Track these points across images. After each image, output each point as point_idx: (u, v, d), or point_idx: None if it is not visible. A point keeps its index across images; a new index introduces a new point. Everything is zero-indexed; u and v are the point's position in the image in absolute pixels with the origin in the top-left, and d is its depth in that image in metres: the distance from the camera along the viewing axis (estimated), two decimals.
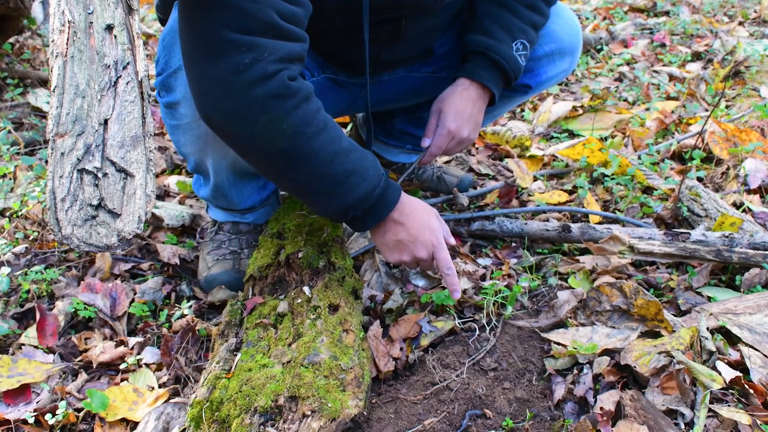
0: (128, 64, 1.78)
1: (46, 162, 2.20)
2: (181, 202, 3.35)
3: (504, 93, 2.55)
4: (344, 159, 1.97)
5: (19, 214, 3.09)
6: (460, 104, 2.42)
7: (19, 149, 3.79)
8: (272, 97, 1.82)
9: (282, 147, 1.88)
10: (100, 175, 1.57)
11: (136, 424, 2.13)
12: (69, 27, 1.75)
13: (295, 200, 2.58)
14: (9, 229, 3.03)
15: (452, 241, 2.25)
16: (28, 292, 2.65)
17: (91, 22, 1.78)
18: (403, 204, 2.14)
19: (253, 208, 2.70)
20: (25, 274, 2.71)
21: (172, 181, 3.54)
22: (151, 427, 2.07)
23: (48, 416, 2.11)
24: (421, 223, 2.17)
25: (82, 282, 2.66)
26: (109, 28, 1.80)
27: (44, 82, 4.69)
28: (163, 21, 2.42)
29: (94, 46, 1.76)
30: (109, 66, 1.75)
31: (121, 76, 1.75)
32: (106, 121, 1.67)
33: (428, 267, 2.27)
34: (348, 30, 2.21)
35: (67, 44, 1.73)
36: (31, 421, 2.10)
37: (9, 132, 3.89)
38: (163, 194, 3.47)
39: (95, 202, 1.56)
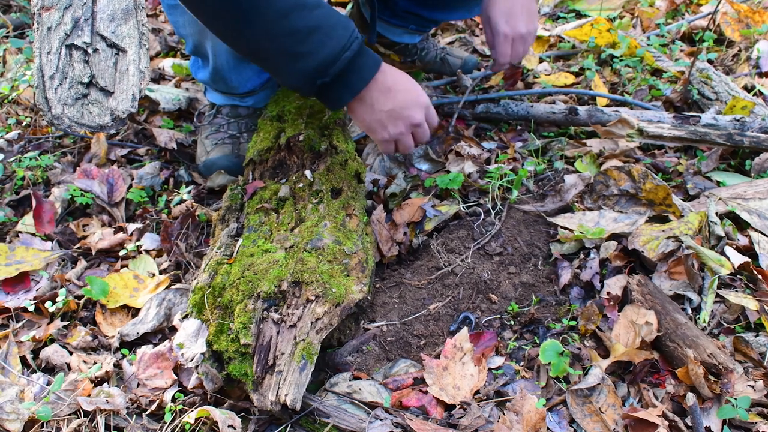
0: None
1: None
2: (177, 86, 3.26)
3: None
4: (306, 13, 1.74)
5: (10, 98, 3.01)
6: (505, 2, 2.28)
7: (8, 32, 3.67)
8: None
9: None
10: (90, 50, 1.50)
11: (137, 310, 2.12)
12: None
13: None
14: (0, 114, 2.95)
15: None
16: (23, 179, 2.61)
17: None
18: (385, 73, 1.93)
19: (252, 92, 2.61)
20: (19, 160, 2.66)
21: (167, 63, 3.43)
22: (153, 313, 2.06)
23: (48, 304, 2.10)
24: (407, 87, 1.98)
25: (78, 168, 2.61)
26: None
27: None
28: None
29: None
30: None
31: None
32: None
33: (424, 136, 2.09)
34: None
35: None
36: (31, 309, 2.10)
37: None
38: (158, 77, 3.37)
39: (86, 80, 1.49)
